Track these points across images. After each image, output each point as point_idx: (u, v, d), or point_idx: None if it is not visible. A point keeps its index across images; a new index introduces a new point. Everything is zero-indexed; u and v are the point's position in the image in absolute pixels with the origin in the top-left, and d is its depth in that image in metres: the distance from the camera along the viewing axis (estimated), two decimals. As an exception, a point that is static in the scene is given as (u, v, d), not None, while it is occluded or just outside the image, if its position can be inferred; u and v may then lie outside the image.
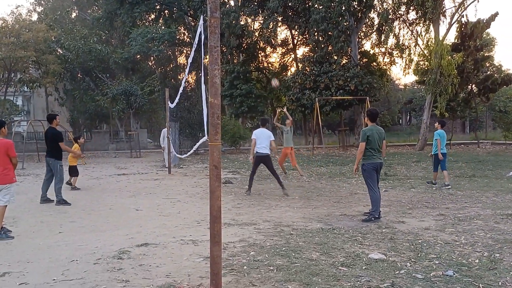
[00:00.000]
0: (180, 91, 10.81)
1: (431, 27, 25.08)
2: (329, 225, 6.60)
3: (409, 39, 27.75)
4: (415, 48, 26.71)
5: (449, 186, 10.17)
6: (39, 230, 6.66)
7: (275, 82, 17.49)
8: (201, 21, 5.32)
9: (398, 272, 4.45)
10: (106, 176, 14.36)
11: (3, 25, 26.12)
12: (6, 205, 6.27)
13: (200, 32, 5.06)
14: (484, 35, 29.88)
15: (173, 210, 8.23)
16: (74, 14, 40.02)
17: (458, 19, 25.01)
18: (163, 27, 32.29)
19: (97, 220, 7.39)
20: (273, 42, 31.61)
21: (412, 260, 4.84)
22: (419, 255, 5.02)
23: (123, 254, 5.21)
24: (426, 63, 24.79)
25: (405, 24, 27.62)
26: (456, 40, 25.38)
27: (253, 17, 31.47)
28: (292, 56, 34.74)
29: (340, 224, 6.66)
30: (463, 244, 5.48)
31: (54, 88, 32.23)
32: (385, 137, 7.24)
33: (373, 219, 6.81)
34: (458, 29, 25.10)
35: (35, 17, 36.45)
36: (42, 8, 39.79)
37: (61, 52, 29.30)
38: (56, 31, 28.40)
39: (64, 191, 9.36)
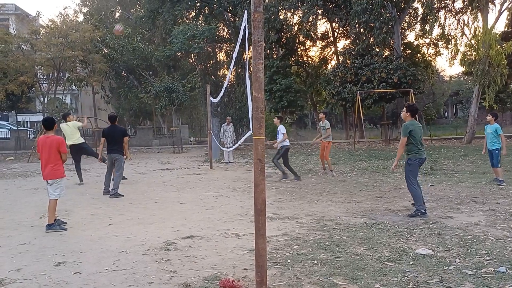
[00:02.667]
0: (225, 85, 10.95)
1: (479, 16, 24.01)
2: (373, 220, 6.50)
3: (455, 29, 26.76)
4: (462, 38, 25.72)
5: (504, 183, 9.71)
6: (90, 222, 6.95)
7: (117, 28, 13.50)
8: (245, 16, 5.34)
9: (447, 268, 4.33)
10: (150, 170, 14.76)
11: (52, 26, 27.25)
12: (57, 199, 6.58)
13: (245, 26, 5.09)
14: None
15: (215, 204, 8.36)
16: (117, 14, 41.19)
17: (509, 6, 23.82)
18: (203, 24, 32.68)
19: (144, 213, 7.62)
20: (312, 35, 31.26)
21: (462, 256, 4.69)
22: (469, 251, 4.87)
23: (170, 246, 5.37)
24: (473, 53, 23.79)
25: (451, 14, 26.61)
26: (506, 29, 24.23)
27: (292, 11, 31.27)
28: (333, 49, 34.26)
29: (384, 219, 6.55)
30: (516, 240, 5.26)
31: (100, 86, 33.35)
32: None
33: (419, 214, 6.63)
34: (508, 17, 23.92)
35: (81, 17, 37.83)
36: (88, 9, 41.18)
37: (106, 51, 30.25)
38: (101, 31, 29.34)
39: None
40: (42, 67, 26.97)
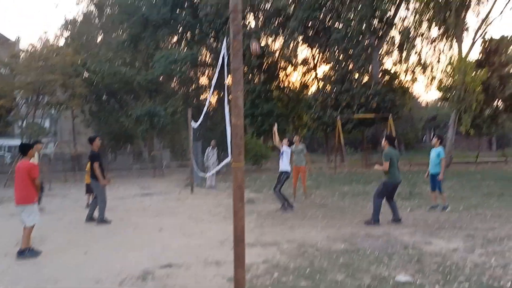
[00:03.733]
0: (205, 111, 10.93)
1: (454, 44, 24.86)
2: (354, 246, 6.50)
3: (431, 56, 27.58)
4: (438, 64, 26.53)
5: (449, 208, 9.81)
6: (66, 249, 6.77)
7: (254, 46, 10.76)
8: (224, 44, 5.42)
9: (426, 295, 4.34)
10: (130, 196, 14.53)
11: (31, 50, 27.05)
12: (33, 226, 6.42)
13: (223, 53, 5.16)
14: (509, 52, 29.35)
15: (196, 229, 8.25)
16: (99, 38, 41.18)
17: (482, 35, 24.74)
18: (185, 49, 32.89)
19: (122, 239, 7.47)
20: (293, 61, 31.81)
21: (441, 283, 4.71)
22: (448, 277, 4.89)
23: (147, 275, 5.25)
24: (449, 79, 24.47)
25: (427, 41, 27.48)
26: (480, 57, 25.07)
27: (274, 37, 31.81)
28: (313, 74, 34.85)
29: (365, 245, 6.56)
30: (493, 266, 5.31)
31: (81, 110, 33.01)
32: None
33: (373, 223, 8.09)
34: (482, 45, 24.82)
35: (62, 42, 37.72)
36: (69, 33, 41.06)
37: (87, 75, 30.08)
38: (82, 55, 29.23)
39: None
40: (22, 91, 26.61)
